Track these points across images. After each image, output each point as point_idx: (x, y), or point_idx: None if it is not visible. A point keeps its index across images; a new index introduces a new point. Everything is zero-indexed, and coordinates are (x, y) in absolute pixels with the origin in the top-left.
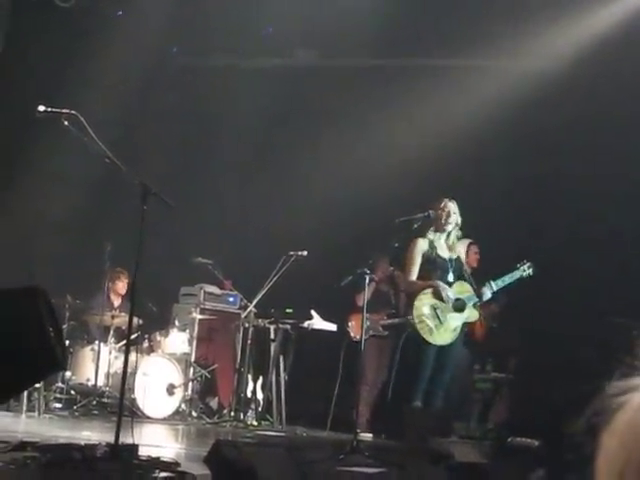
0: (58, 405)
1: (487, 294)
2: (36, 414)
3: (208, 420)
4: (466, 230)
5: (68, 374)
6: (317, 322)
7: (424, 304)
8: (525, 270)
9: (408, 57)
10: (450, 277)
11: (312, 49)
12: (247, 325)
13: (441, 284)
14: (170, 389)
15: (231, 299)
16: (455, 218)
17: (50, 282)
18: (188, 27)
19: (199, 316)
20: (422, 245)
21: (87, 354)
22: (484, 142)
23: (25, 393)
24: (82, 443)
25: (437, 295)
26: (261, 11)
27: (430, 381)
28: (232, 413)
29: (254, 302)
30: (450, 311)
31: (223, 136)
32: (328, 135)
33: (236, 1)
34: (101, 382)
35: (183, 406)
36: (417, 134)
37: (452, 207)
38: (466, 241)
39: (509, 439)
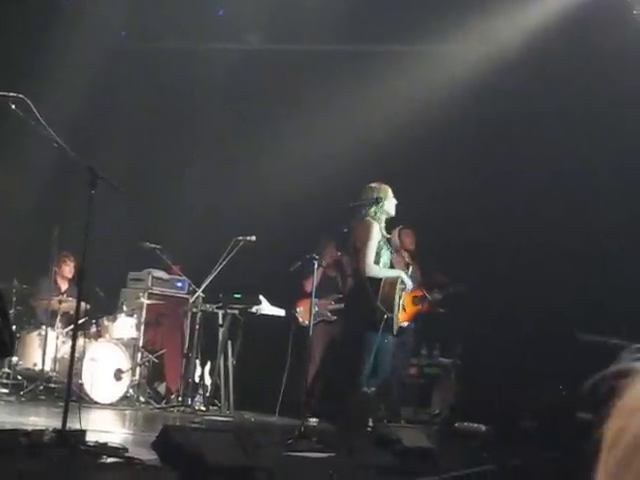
0: (4, 390)
1: (409, 284)
2: None
3: (156, 405)
4: (416, 216)
5: (15, 359)
6: (265, 307)
7: (397, 294)
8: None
9: (362, 43)
10: (388, 263)
11: (265, 33)
12: (195, 310)
13: (402, 272)
14: (118, 374)
15: (179, 284)
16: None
17: None
18: (139, 11)
19: (147, 301)
20: (378, 229)
21: (34, 339)
22: (437, 127)
23: None
24: (29, 429)
25: (402, 284)
26: None
27: (378, 367)
28: (180, 398)
29: (202, 287)
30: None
31: (172, 120)
32: (281, 120)
33: None
34: (48, 367)
35: (131, 391)
36: (369, 120)
37: (391, 192)
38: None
39: (456, 424)
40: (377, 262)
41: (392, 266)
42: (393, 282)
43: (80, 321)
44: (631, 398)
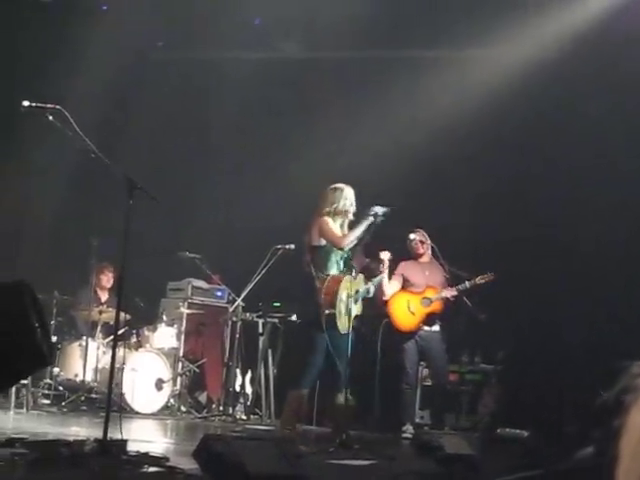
0: (46, 401)
1: (372, 290)
2: (24, 410)
3: (197, 415)
4: (445, 222)
5: (56, 370)
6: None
7: (344, 291)
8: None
9: (392, 49)
10: (341, 264)
11: (296, 41)
12: (235, 319)
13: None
14: (159, 384)
15: (219, 293)
16: (352, 204)
17: (37, 278)
18: (173, 21)
19: (187, 311)
20: (333, 223)
21: (75, 350)
22: (470, 132)
23: (13, 390)
24: (70, 439)
25: (354, 284)
26: (245, 4)
27: (333, 367)
28: (221, 407)
29: (242, 296)
30: (355, 301)
31: (211, 130)
32: (315, 128)
33: None
34: (89, 378)
35: (172, 401)
36: (403, 125)
37: (351, 194)
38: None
39: (498, 430)
40: (329, 260)
41: (349, 267)
42: (338, 279)
43: (120, 331)
44: None
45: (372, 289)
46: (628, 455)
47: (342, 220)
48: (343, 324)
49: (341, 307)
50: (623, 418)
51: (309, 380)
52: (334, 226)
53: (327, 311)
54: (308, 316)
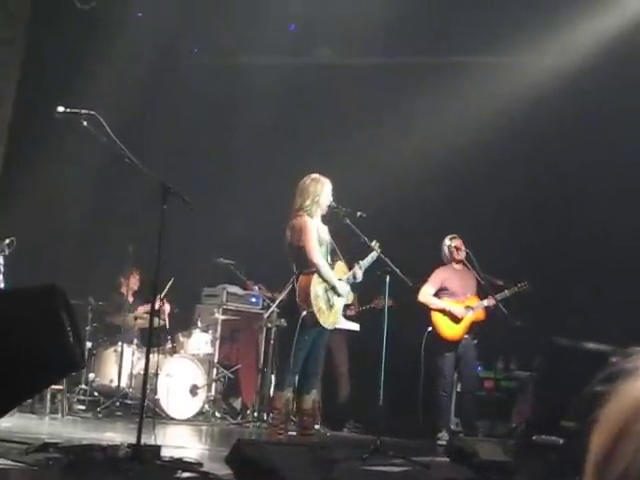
0: (81, 407)
1: (359, 274)
2: (60, 416)
3: (231, 420)
4: (475, 228)
5: (91, 376)
6: (340, 321)
7: (319, 285)
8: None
9: (424, 55)
10: (328, 259)
11: (330, 47)
12: (270, 325)
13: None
14: (193, 390)
15: (253, 299)
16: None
17: (72, 284)
18: (206, 27)
19: (222, 317)
20: (312, 224)
21: (110, 355)
22: (501, 138)
23: (49, 395)
24: (104, 444)
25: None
26: (276, 11)
27: (307, 366)
28: (255, 413)
29: (276, 302)
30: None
31: (244, 135)
32: (349, 134)
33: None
34: (124, 383)
35: (206, 407)
36: (435, 133)
37: (330, 187)
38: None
39: (534, 437)
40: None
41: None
42: (309, 276)
43: (154, 337)
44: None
45: (359, 273)
46: (600, 452)
47: (320, 214)
48: (327, 319)
49: (319, 303)
50: (597, 411)
51: (291, 381)
52: (314, 235)
53: (304, 311)
54: (287, 316)
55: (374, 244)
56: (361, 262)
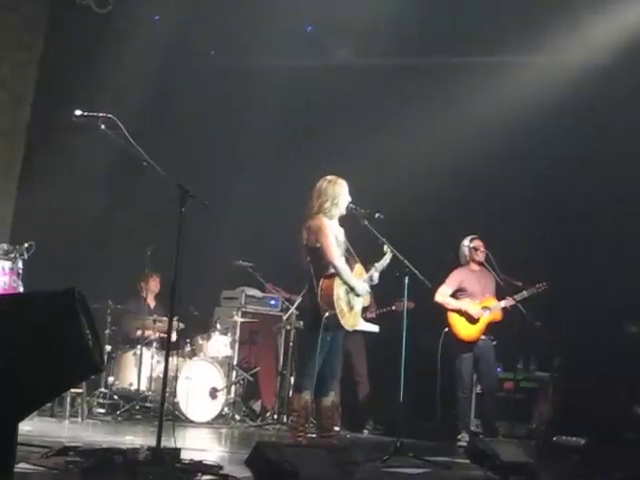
0: (101, 410)
1: (375, 276)
2: (79, 419)
3: (251, 423)
4: (493, 228)
5: (111, 379)
6: (360, 323)
7: (341, 287)
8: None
9: (445, 55)
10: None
11: (348, 48)
12: (289, 327)
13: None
14: (213, 392)
15: (272, 302)
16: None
17: (92, 288)
18: (223, 29)
19: (241, 319)
20: (330, 225)
21: (129, 359)
22: (520, 138)
23: (68, 399)
24: (124, 447)
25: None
26: (294, 12)
27: (325, 368)
28: (275, 416)
29: (295, 304)
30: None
31: (260, 137)
32: (366, 135)
33: (270, 3)
34: (144, 387)
35: (226, 409)
36: (454, 132)
37: (345, 187)
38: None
39: (555, 438)
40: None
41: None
42: (332, 278)
43: (173, 339)
44: None
45: (376, 275)
46: None
47: (338, 216)
48: (347, 320)
49: (341, 305)
50: None
51: (310, 382)
52: (332, 235)
53: (327, 313)
54: (308, 318)
55: (385, 248)
56: (377, 264)
